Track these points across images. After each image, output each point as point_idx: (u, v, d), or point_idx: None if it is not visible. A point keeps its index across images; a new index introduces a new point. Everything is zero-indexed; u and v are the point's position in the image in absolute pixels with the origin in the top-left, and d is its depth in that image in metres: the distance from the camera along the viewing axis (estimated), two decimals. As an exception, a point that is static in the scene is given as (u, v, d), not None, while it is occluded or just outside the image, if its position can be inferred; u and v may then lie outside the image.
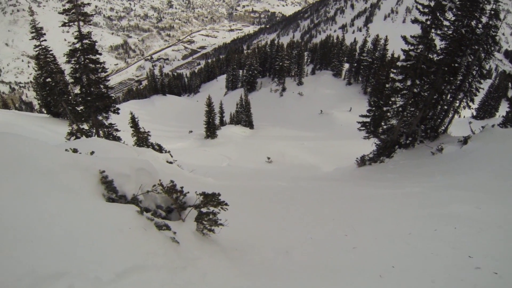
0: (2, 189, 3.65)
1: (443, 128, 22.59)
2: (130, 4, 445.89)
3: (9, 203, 3.54)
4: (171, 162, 20.09)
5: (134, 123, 27.22)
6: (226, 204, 5.88)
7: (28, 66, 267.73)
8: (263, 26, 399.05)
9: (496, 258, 5.02)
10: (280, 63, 76.39)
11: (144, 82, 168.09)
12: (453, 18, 19.82)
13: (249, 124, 61.12)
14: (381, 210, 9.53)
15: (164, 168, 16.24)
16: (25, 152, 4.47)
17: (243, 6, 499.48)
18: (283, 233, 8.36)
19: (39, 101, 46.51)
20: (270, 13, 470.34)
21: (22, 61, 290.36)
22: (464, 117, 50.30)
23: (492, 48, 20.66)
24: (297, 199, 13.01)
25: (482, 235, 6.09)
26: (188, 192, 5.77)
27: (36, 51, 29.43)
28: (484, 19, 19.84)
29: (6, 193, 3.63)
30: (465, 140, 17.33)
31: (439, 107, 22.48)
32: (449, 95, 22.25)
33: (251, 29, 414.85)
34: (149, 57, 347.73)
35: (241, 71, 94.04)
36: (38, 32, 27.65)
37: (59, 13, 25.83)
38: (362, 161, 23.28)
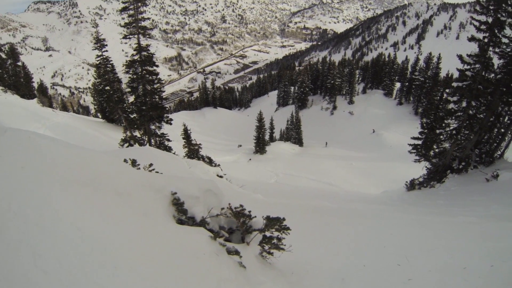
0: (85, 211, 3.84)
1: (499, 153, 20.42)
2: (185, 18, 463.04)
3: (95, 226, 3.72)
4: (221, 176, 20.33)
5: (186, 134, 27.94)
6: (288, 229, 5.86)
7: (88, 73, 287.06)
8: (314, 43, 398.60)
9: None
10: (332, 81, 76.40)
11: (196, 94, 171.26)
12: None
13: (299, 141, 61.13)
14: (433, 240, 9.16)
15: (218, 183, 16.39)
16: (102, 171, 4.66)
17: (295, 23, 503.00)
18: (335, 258, 8.22)
19: (95, 106, 49.47)
20: (321, 30, 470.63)
21: (82, 68, 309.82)
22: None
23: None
24: (345, 222, 12.85)
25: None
26: (255, 217, 5.82)
27: (97, 60, 31.15)
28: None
29: (90, 215, 3.83)
30: (524, 167, 15.82)
31: (496, 130, 20.53)
32: (506, 117, 20.10)
33: (302, 45, 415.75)
34: (201, 70, 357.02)
35: (292, 87, 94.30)
36: (100, 44, 29.23)
37: (121, 26, 27.07)
38: (412, 185, 22.38)
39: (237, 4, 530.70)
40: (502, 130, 20.42)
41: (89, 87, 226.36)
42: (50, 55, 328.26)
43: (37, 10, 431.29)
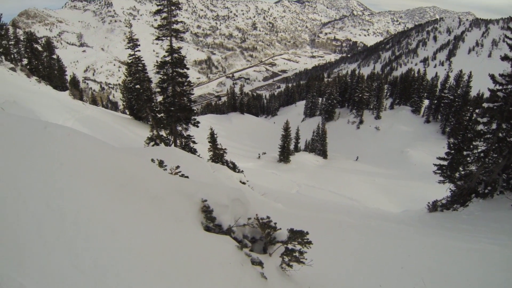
0: (121, 214, 4.03)
1: None
2: (216, 23, 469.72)
3: (130, 230, 3.90)
4: (244, 182, 20.37)
5: (213, 139, 28.16)
6: (310, 243, 5.96)
7: (118, 70, 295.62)
8: (344, 55, 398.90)
9: None
10: (360, 95, 75.99)
11: (224, 98, 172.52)
12: None
13: (323, 153, 61.01)
14: (452, 266, 9.18)
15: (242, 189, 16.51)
16: (136, 173, 4.86)
17: (325, 34, 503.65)
18: (351, 276, 8.26)
19: (124, 103, 50.95)
20: (351, 42, 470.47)
21: (114, 65, 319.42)
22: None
23: None
24: (363, 239, 12.82)
25: None
26: (280, 229, 5.93)
27: (129, 59, 31.74)
28: None
29: (125, 218, 4.03)
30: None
31: None
32: None
33: (332, 57, 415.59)
34: (230, 75, 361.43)
35: (320, 99, 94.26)
36: (133, 43, 29.81)
37: (153, 27, 27.60)
38: (434, 207, 21.78)
39: (268, 12, 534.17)
40: None
41: (119, 84, 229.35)
42: (84, 51, 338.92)
43: (73, 8, 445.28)
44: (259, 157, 56.26)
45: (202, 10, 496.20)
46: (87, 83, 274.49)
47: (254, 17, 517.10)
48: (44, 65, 46.36)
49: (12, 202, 3.18)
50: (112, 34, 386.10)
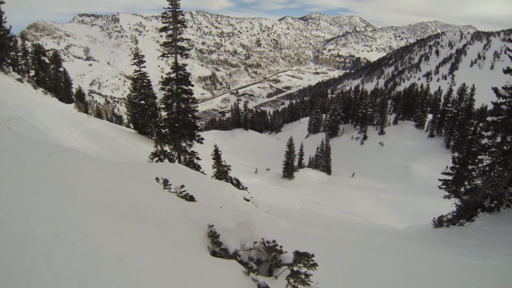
0: (129, 242, 4.02)
1: None
2: (221, 40, 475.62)
3: (137, 258, 3.88)
4: (248, 200, 20.34)
5: (217, 155, 28.04)
6: (316, 265, 5.89)
7: (124, 85, 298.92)
8: (347, 71, 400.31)
9: None
10: (364, 111, 76.32)
11: (228, 114, 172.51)
12: None
13: (327, 169, 60.86)
14: (459, 283, 9.07)
15: (241, 206, 16.52)
16: (143, 199, 4.89)
17: (329, 50, 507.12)
18: None
19: (129, 117, 50.97)
20: (354, 58, 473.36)
21: (119, 79, 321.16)
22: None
23: None
24: (368, 256, 12.55)
25: None
26: (286, 252, 5.92)
27: (135, 75, 32.05)
28: None
29: (133, 246, 4.01)
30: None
31: None
32: None
33: (335, 73, 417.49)
34: (234, 91, 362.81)
35: (324, 115, 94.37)
36: (139, 59, 30.09)
37: (158, 43, 27.90)
38: (439, 222, 21.64)
39: (272, 29, 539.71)
40: None
41: (124, 98, 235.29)
42: (90, 64, 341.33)
43: (81, 22, 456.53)
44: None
45: (207, 27, 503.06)
46: (93, 96, 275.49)
47: (258, 34, 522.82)
48: (51, 77, 46.76)
49: (19, 231, 3.17)
50: (118, 49, 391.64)
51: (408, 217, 29.96)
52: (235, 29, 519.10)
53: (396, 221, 29.93)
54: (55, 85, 46.32)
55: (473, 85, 62.32)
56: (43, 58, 45.53)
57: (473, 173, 20.53)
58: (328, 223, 24.25)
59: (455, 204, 22.06)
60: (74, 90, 58.13)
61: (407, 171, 54.26)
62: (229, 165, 28.49)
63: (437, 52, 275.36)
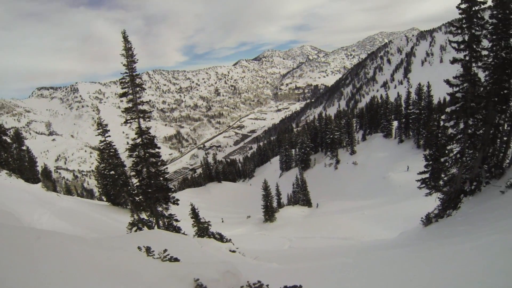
0: None
1: (507, 161, 20.53)
2: (180, 96, 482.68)
3: None
4: (234, 251, 19.87)
5: (194, 214, 27.68)
6: None
7: (90, 156, 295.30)
8: (308, 101, 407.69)
9: None
10: (331, 136, 77.61)
11: (199, 170, 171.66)
12: (489, 45, 18.87)
13: (307, 202, 60.61)
14: (459, 269, 8.63)
15: (228, 258, 16.10)
16: (131, 269, 5.24)
17: (287, 85, 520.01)
18: None
19: (100, 189, 50.40)
20: (313, 87, 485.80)
21: (85, 151, 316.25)
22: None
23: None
24: (364, 275, 12.01)
25: None
26: None
27: (101, 145, 31.23)
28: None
29: None
30: (537, 166, 15.96)
31: (498, 140, 20.51)
32: (506, 125, 20.25)
33: (297, 105, 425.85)
34: (201, 146, 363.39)
35: (293, 150, 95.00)
36: (103, 129, 29.45)
37: (120, 109, 27.68)
38: (428, 220, 21.95)
39: (228, 75, 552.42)
40: (505, 138, 20.49)
41: (92, 170, 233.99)
42: (54, 139, 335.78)
43: (40, 96, 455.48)
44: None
45: (165, 85, 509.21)
46: (60, 173, 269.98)
47: (216, 83, 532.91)
48: (14, 158, 45.36)
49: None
50: (80, 120, 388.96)
51: (398, 225, 29.68)
52: (193, 82, 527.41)
53: (387, 232, 29.75)
54: (19, 165, 44.99)
55: (428, 83, 64.50)
56: (4, 137, 44.24)
57: (447, 164, 21.45)
58: (319, 254, 24.06)
59: (438, 198, 22.62)
60: (39, 169, 56.85)
61: (386, 182, 54.59)
62: (209, 221, 27.84)
63: (389, 61, 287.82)
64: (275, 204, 56.44)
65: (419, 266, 11.11)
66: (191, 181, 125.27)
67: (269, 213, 51.41)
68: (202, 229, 26.79)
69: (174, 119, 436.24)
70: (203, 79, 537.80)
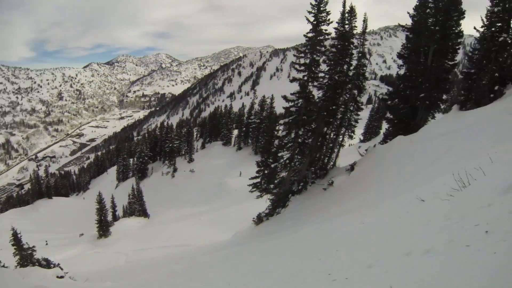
0: None
1: (331, 163, 24.61)
2: (17, 97, 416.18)
3: None
4: (62, 276, 18.41)
5: (16, 239, 24.43)
6: None
7: None
8: (153, 109, 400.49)
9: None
10: (170, 145, 77.40)
11: (27, 186, 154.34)
12: (327, 69, 22.37)
13: (143, 213, 58.76)
14: (283, 256, 9.82)
15: (53, 286, 15.15)
16: None
17: (134, 92, 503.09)
18: None
19: None
20: (160, 95, 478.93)
21: None
22: (353, 144, 56.73)
23: (364, 84, 23.68)
24: (194, 277, 12.95)
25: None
26: None
27: None
28: (354, 62, 22.86)
29: None
30: (351, 167, 20.12)
31: (324, 147, 24.56)
32: (332, 134, 24.48)
33: (141, 114, 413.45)
34: (33, 157, 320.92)
35: (131, 159, 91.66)
36: None
37: None
38: (259, 219, 23.95)
39: (76, 78, 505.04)
40: (331, 145, 24.83)
41: None
42: None
43: None
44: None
45: (1, 83, 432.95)
46: None
47: (61, 85, 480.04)
48: None
49: None
50: None
51: (234, 227, 30.48)
52: (35, 82, 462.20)
53: (224, 235, 30.22)
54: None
55: (272, 95, 68.94)
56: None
57: (277, 169, 23.44)
58: (155, 264, 24.22)
59: (268, 199, 24.72)
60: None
61: (223, 187, 56.32)
62: (33, 246, 25.17)
63: (239, 73, 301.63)
64: (110, 218, 53.75)
65: (247, 258, 12.51)
66: (17, 199, 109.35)
67: (104, 228, 48.34)
68: (25, 257, 24.33)
69: (5, 124, 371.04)
70: (47, 80, 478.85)
